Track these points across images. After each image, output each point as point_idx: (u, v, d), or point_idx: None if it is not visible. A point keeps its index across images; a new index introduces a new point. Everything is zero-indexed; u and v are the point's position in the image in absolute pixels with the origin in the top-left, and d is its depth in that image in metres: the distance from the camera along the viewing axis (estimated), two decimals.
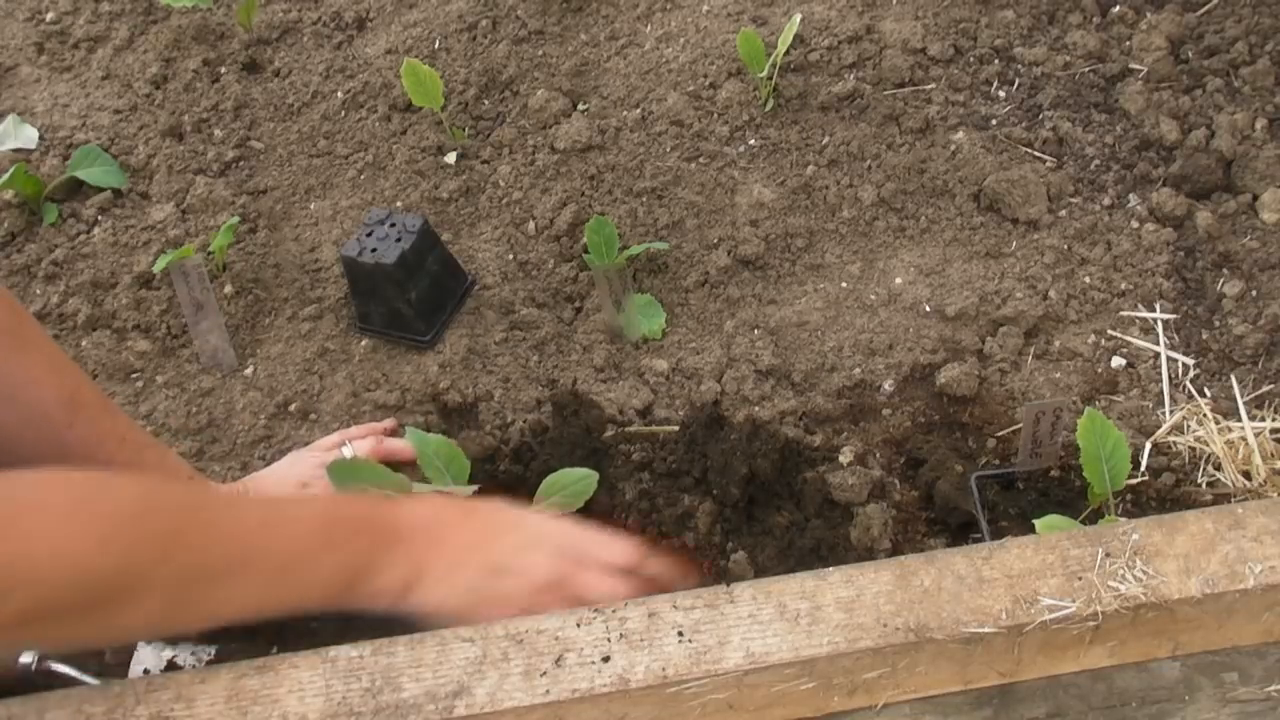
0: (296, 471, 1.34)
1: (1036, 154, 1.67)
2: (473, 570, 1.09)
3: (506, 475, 1.40)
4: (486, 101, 1.86)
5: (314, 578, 1.02)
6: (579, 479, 1.25)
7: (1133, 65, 1.74)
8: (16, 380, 1.11)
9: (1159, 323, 1.50)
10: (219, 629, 1.20)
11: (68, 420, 1.14)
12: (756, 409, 1.44)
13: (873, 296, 1.57)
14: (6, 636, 0.85)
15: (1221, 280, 1.52)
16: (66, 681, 1.18)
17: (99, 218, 1.77)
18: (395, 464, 1.35)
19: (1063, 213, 1.62)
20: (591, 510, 1.27)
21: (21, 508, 0.83)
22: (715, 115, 1.75)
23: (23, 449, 1.15)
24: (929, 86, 1.75)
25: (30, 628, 0.85)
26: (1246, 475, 1.32)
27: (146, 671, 1.22)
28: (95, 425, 1.17)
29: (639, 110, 1.78)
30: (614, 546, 1.16)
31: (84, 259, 1.71)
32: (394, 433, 1.42)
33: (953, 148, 1.68)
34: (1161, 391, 1.43)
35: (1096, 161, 1.66)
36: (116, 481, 0.95)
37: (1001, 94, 1.75)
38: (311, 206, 1.79)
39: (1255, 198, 1.57)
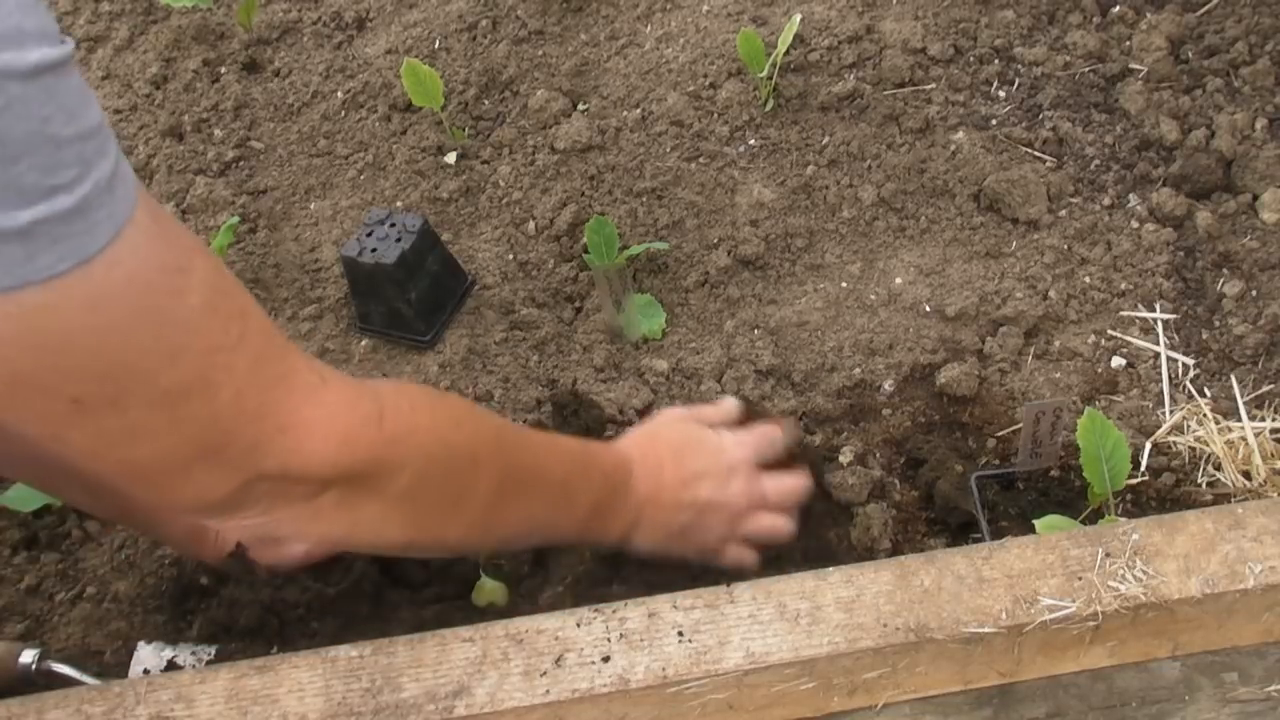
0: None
1: (1036, 154, 1.67)
2: (684, 513, 1.17)
3: None
4: (486, 101, 1.86)
5: (575, 506, 1.09)
6: None
7: (1133, 65, 1.74)
8: None
9: (1159, 323, 1.50)
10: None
11: None
12: (756, 409, 1.44)
13: (873, 296, 1.57)
14: (390, 514, 0.91)
15: (1221, 280, 1.52)
16: (66, 681, 1.18)
17: None
18: None
19: (1063, 213, 1.62)
20: None
21: (400, 400, 0.91)
22: (715, 115, 1.75)
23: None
24: (929, 86, 1.75)
25: (415, 503, 0.92)
26: (1246, 475, 1.32)
27: (146, 671, 1.22)
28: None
29: (639, 110, 1.78)
30: (775, 439, 1.27)
31: None
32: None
33: (953, 148, 1.68)
34: (1161, 391, 1.43)
35: (1096, 161, 1.66)
36: (444, 392, 1.09)
37: (1001, 94, 1.75)
38: (311, 206, 1.79)
39: (1255, 198, 1.57)
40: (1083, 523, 1.23)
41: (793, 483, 1.25)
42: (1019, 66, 1.77)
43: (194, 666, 1.20)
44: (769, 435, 1.27)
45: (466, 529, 1.00)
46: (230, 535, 1.26)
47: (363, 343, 1.59)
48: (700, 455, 1.21)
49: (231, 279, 0.80)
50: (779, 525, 1.23)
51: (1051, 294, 1.53)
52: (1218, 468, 1.33)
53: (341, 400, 0.85)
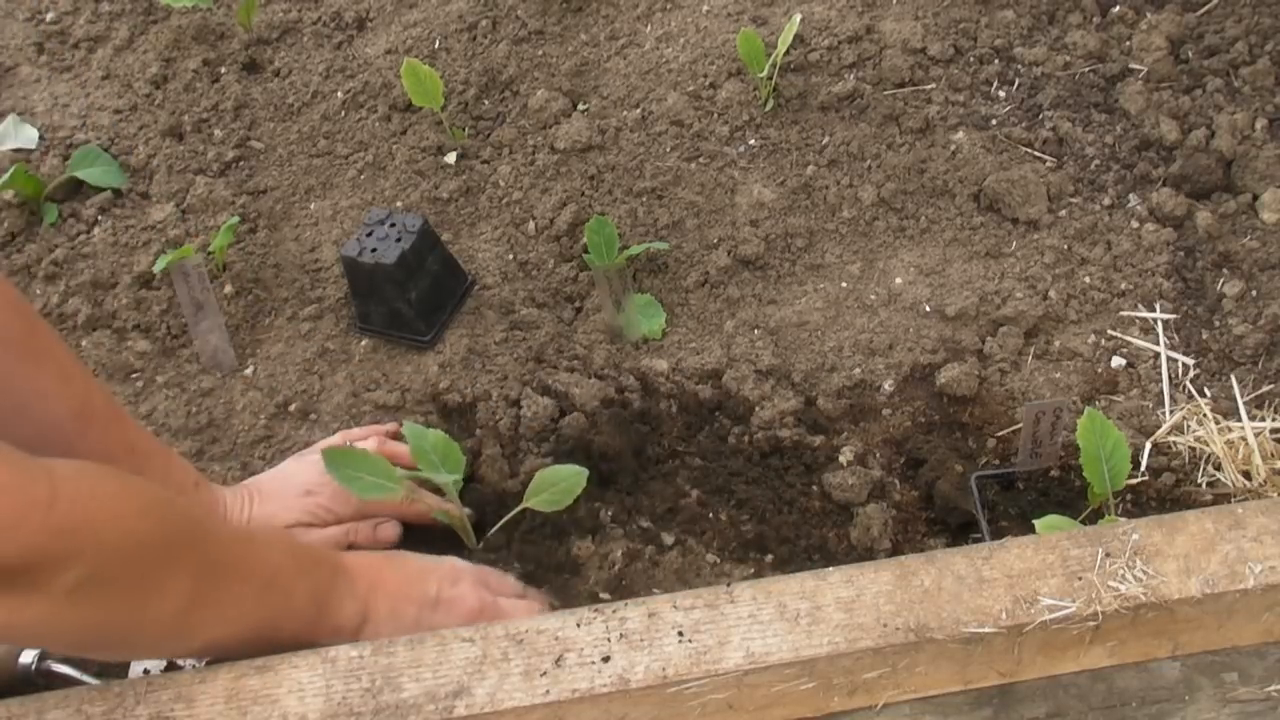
0: (302, 476, 1.34)
1: (1036, 154, 1.67)
2: (414, 607, 1.14)
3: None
4: (486, 101, 1.86)
5: (296, 594, 1.05)
6: (569, 475, 1.25)
7: (1133, 65, 1.74)
8: (28, 394, 1.11)
9: (1159, 323, 1.50)
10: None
11: (80, 432, 1.14)
12: (757, 409, 1.44)
13: (873, 296, 1.57)
14: (58, 613, 0.86)
15: (1221, 280, 1.52)
16: (66, 681, 1.18)
17: (99, 218, 1.77)
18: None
19: (1063, 213, 1.62)
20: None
21: (79, 485, 0.86)
22: (715, 115, 1.75)
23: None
24: (929, 86, 1.75)
25: (89, 600, 0.87)
26: (1246, 475, 1.32)
27: (146, 671, 1.22)
28: (106, 436, 1.17)
29: (639, 110, 1.78)
30: (505, 578, 1.26)
31: (84, 259, 1.71)
32: (396, 436, 1.42)
33: (953, 148, 1.68)
34: (1161, 391, 1.43)
35: (1096, 161, 1.66)
36: (136, 477, 0.99)
37: (1001, 94, 1.75)
38: (311, 206, 1.79)
39: (1255, 198, 1.57)
40: (1083, 523, 1.23)
41: (530, 606, 1.22)
42: (1019, 66, 1.77)
43: (194, 666, 1.20)
44: (499, 575, 1.26)
45: (161, 631, 0.95)
46: None
47: (363, 343, 1.59)
48: (418, 559, 1.21)
49: None
50: (521, 608, 1.21)
51: (1051, 294, 1.53)
52: (1218, 468, 1.33)
53: (4, 483, 0.80)
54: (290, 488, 1.32)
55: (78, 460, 0.91)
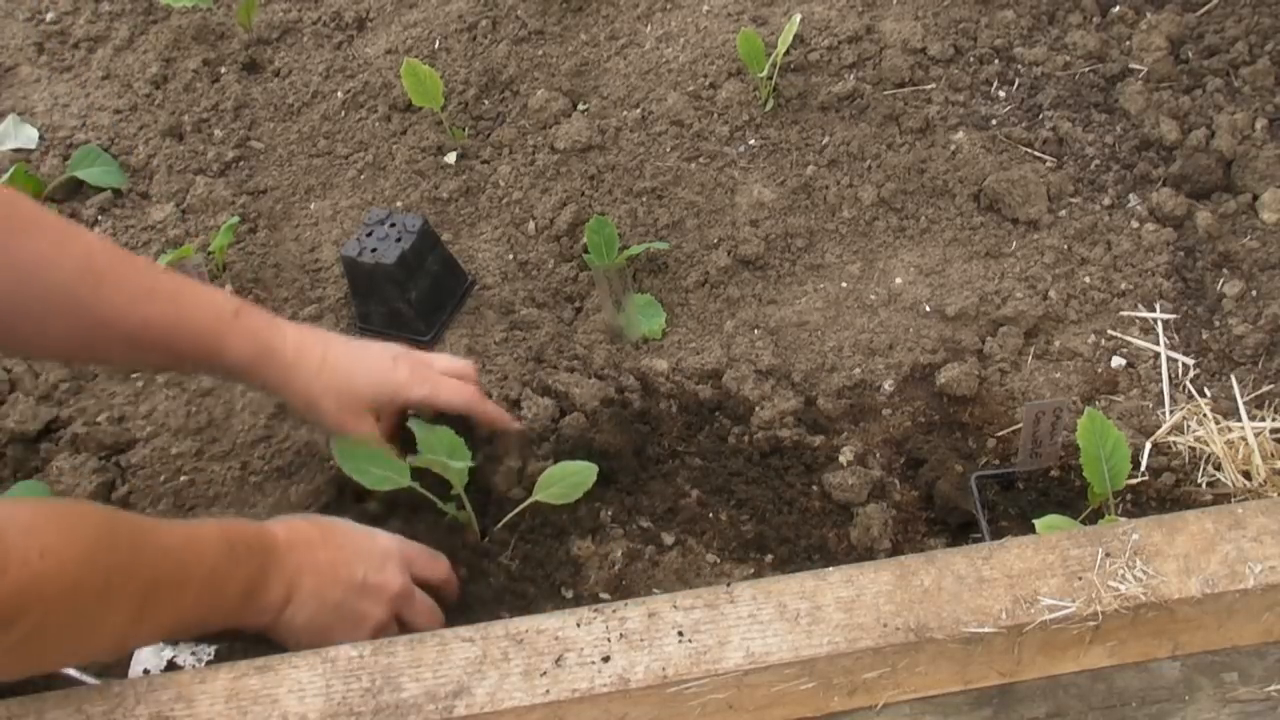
0: (387, 349, 1.32)
1: (1036, 154, 1.67)
2: (340, 589, 1.14)
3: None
4: (486, 101, 1.86)
5: (229, 590, 1.06)
6: (578, 471, 1.25)
7: (1133, 65, 1.74)
8: (27, 264, 1.09)
9: (1159, 323, 1.50)
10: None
11: (92, 290, 1.12)
12: (757, 409, 1.44)
13: (873, 296, 1.57)
14: (7, 657, 0.90)
15: (1221, 280, 1.52)
16: (66, 681, 1.18)
17: (99, 218, 1.77)
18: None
19: (1063, 213, 1.62)
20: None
21: (28, 545, 0.88)
22: (715, 115, 1.75)
23: (54, 331, 1.14)
24: (929, 86, 1.75)
25: (30, 648, 0.91)
26: (1246, 475, 1.32)
27: (146, 671, 1.22)
28: (121, 288, 1.15)
29: (639, 110, 1.78)
30: (433, 560, 1.24)
31: None
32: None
33: (953, 148, 1.68)
34: (1161, 391, 1.43)
35: (1096, 161, 1.66)
36: (80, 510, 0.99)
37: (1001, 94, 1.75)
38: (311, 206, 1.79)
39: (1255, 198, 1.57)
40: (1083, 523, 1.23)
41: (434, 610, 1.21)
42: (1019, 66, 1.77)
43: (194, 666, 1.20)
44: (422, 551, 1.24)
45: (106, 649, 1.02)
46: None
47: None
48: (351, 536, 1.19)
49: None
50: (438, 617, 1.21)
51: (1051, 294, 1.53)
52: (1218, 468, 1.33)
53: None
54: (371, 353, 1.30)
55: (30, 506, 0.93)
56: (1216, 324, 1.49)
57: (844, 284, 1.59)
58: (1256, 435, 1.34)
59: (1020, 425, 1.37)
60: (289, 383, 1.24)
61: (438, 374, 1.31)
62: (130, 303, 1.14)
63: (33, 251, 1.10)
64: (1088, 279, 1.55)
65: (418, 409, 1.32)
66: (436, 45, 1.93)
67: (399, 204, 1.74)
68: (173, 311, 1.17)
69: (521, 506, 1.29)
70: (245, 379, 1.27)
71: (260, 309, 1.26)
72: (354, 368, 1.27)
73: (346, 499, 1.37)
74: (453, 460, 1.26)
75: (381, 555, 1.18)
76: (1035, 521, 1.20)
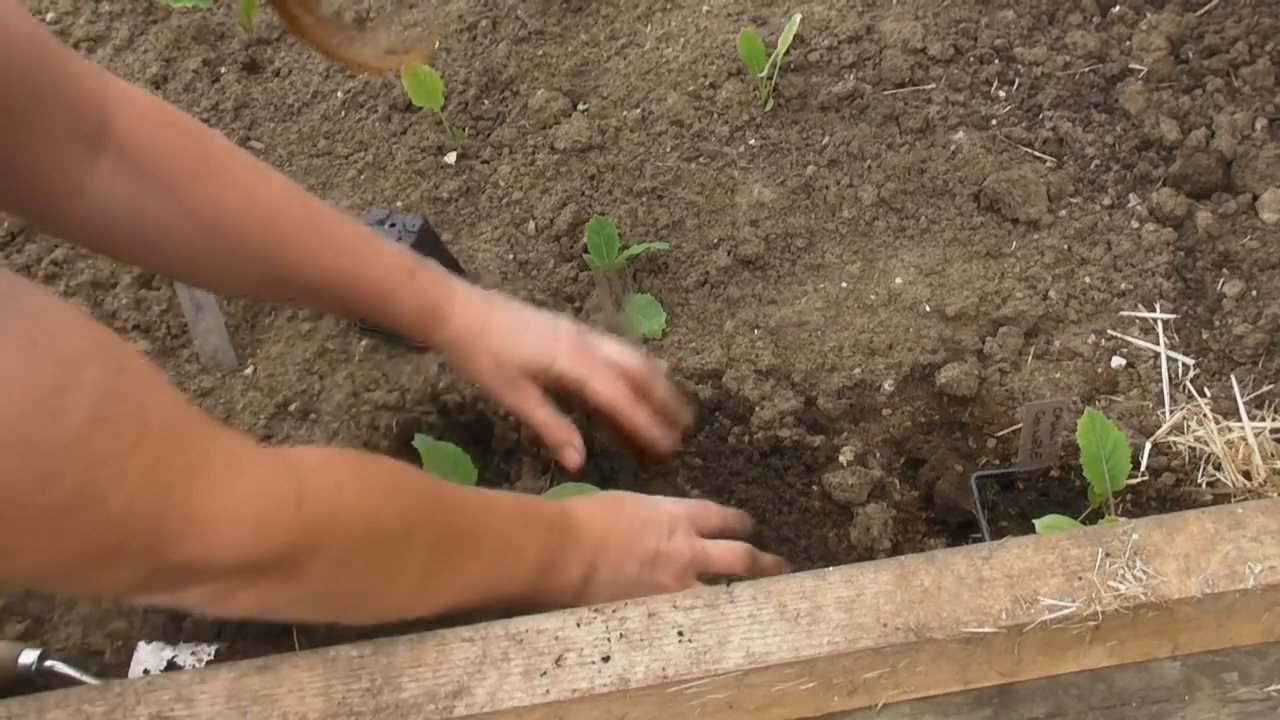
0: (554, 320, 1.32)
1: (1036, 154, 1.67)
2: (635, 564, 1.15)
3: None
4: (486, 101, 1.86)
5: (521, 563, 1.06)
6: (577, 491, 1.26)
7: (1133, 65, 1.74)
8: (215, 218, 1.09)
9: (1159, 323, 1.50)
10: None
11: (277, 247, 1.13)
12: (757, 409, 1.44)
13: (873, 296, 1.57)
14: (307, 596, 0.90)
15: (1221, 280, 1.52)
16: (66, 681, 1.18)
17: None
18: None
19: (1063, 213, 1.62)
20: None
21: (324, 479, 0.88)
22: (715, 115, 1.75)
23: (241, 277, 1.16)
24: (929, 86, 1.75)
25: (331, 587, 0.91)
26: (1246, 475, 1.32)
27: (146, 671, 1.22)
28: (304, 243, 1.15)
29: (639, 110, 1.78)
30: (713, 512, 1.25)
31: (84, 259, 1.71)
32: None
33: (953, 148, 1.68)
34: (1161, 391, 1.43)
35: (1096, 161, 1.66)
36: (373, 455, 1.00)
37: (1001, 94, 1.75)
38: None
39: (1255, 198, 1.57)
40: (1083, 523, 1.23)
41: (735, 548, 1.22)
42: (1019, 66, 1.77)
43: (194, 666, 1.20)
44: (706, 505, 1.26)
45: (398, 604, 0.99)
46: None
47: (363, 343, 1.59)
48: (639, 507, 1.20)
49: (132, 376, 0.75)
50: (741, 555, 1.22)
51: (1051, 294, 1.53)
52: (1218, 468, 1.33)
53: (255, 487, 0.82)
54: (528, 320, 1.30)
55: (320, 449, 0.96)
56: (1216, 324, 1.49)
57: (844, 284, 1.59)
58: (1256, 435, 1.34)
59: (1020, 425, 1.37)
60: (452, 344, 1.26)
61: (597, 360, 1.31)
62: (312, 256, 1.16)
63: (224, 204, 1.10)
64: (1088, 279, 1.55)
65: (567, 388, 1.31)
66: (436, 45, 1.93)
67: (399, 204, 1.75)
68: (350, 267, 1.19)
69: None
70: (414, 335, 1.28)
71: (438, 269, 1.28)
72: (514, 333, 1.28)
73: None
74: (458, 478, 1.27)
75: (670, 522, 1.19)
76: (1035, 521, 1.20)
